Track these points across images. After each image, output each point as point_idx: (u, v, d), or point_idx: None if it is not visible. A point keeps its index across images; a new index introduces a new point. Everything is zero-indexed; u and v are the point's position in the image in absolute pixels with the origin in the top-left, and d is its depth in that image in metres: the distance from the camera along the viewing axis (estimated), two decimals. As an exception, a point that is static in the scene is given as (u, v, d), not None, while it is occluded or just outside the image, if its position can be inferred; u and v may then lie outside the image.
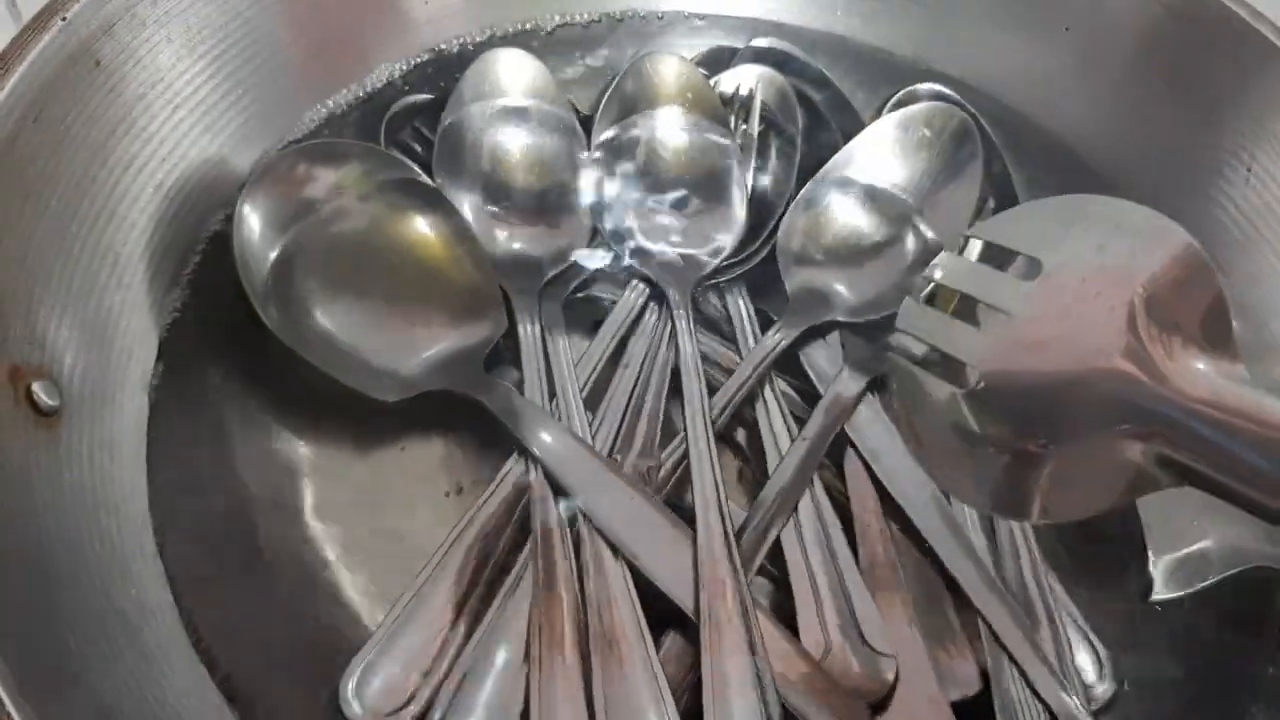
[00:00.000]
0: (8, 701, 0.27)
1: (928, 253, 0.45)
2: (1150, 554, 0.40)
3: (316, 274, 0.41)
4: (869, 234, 0.46)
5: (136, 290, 0.40)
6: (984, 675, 0.36)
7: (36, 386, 0.35)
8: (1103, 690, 0.37)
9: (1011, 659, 0.36)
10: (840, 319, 0.44)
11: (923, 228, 0.46)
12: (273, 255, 0.40)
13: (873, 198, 0.46)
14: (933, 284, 0.40)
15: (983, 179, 0.46)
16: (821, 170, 0.47)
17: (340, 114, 0.48)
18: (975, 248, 0.42)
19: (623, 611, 0.35)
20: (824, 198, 0.47)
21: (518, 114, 0.47)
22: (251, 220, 0.40)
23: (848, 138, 0.48)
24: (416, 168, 0.43)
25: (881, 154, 0.47)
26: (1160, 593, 0.39)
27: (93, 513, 0.36)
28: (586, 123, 0.48)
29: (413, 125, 0.47)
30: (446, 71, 0.49)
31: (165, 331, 0.41)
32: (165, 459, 0.38)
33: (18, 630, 0.30)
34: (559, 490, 0.38)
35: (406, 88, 0.49)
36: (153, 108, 0.41)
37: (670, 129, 0.48)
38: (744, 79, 0.50)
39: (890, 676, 0.35)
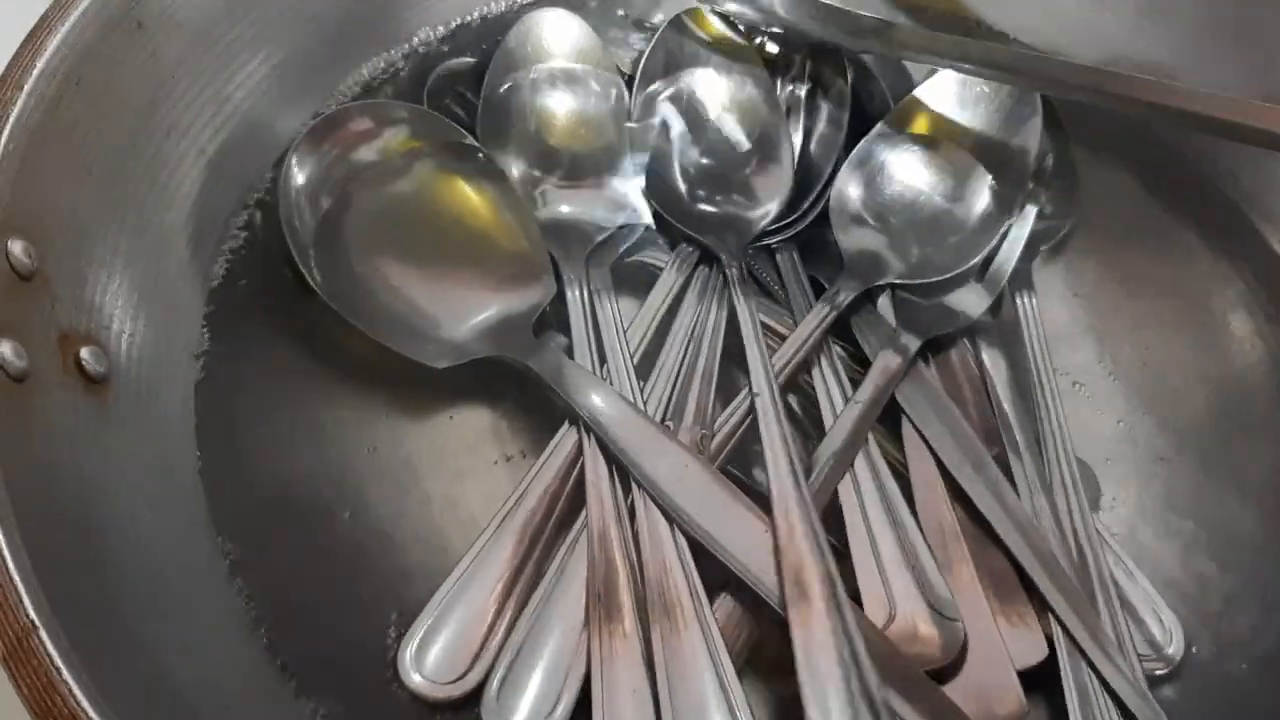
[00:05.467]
0: (58, 659, 0.27)
1: (987, 211, 0.44)
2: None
3: (364, 236, 0.40)
4: (926, 192, 0.45)
5: (181, 257, 0.40)
6: (1050, 642, 0.35)
7: (85, 353, 0.35)
8: (1168, 654, 0.36)
9: (1066, 631, 0.35)
10: (897, 281, 0.43)
11: (982, 185, 0.45)
12: (320, 216, 0.40)
13: (929, 155, 0.45)
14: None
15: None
16: (876, 127, 0.46)
17: (383, 78, 0.47)
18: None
19: (679, 578, 0.35)
20: (879, 156, 0.46)
21: (562, 77, 0.46)
22: (299, 180, 0.40)
23: (897, 96, 0.47)
24: (465, 131, 0.43)
25: (938, 110, 0.46)
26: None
27: (142, 479, 0.35)
28: (630, 83, 0.47)
29: (455, 89, 0.46)
30: (489, 34, 0.48)
31: (211, 298, 0.40)
32: (214, 425, 0.38)
33: (68, 592, 0.29)
34: (611, 457, 0.37)
35: (448, 50, 0.48)
36: (194, 72, 0.41)
37: (713, 88, 0.47)
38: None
39: (959, 644, 0.34)
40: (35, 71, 0.35)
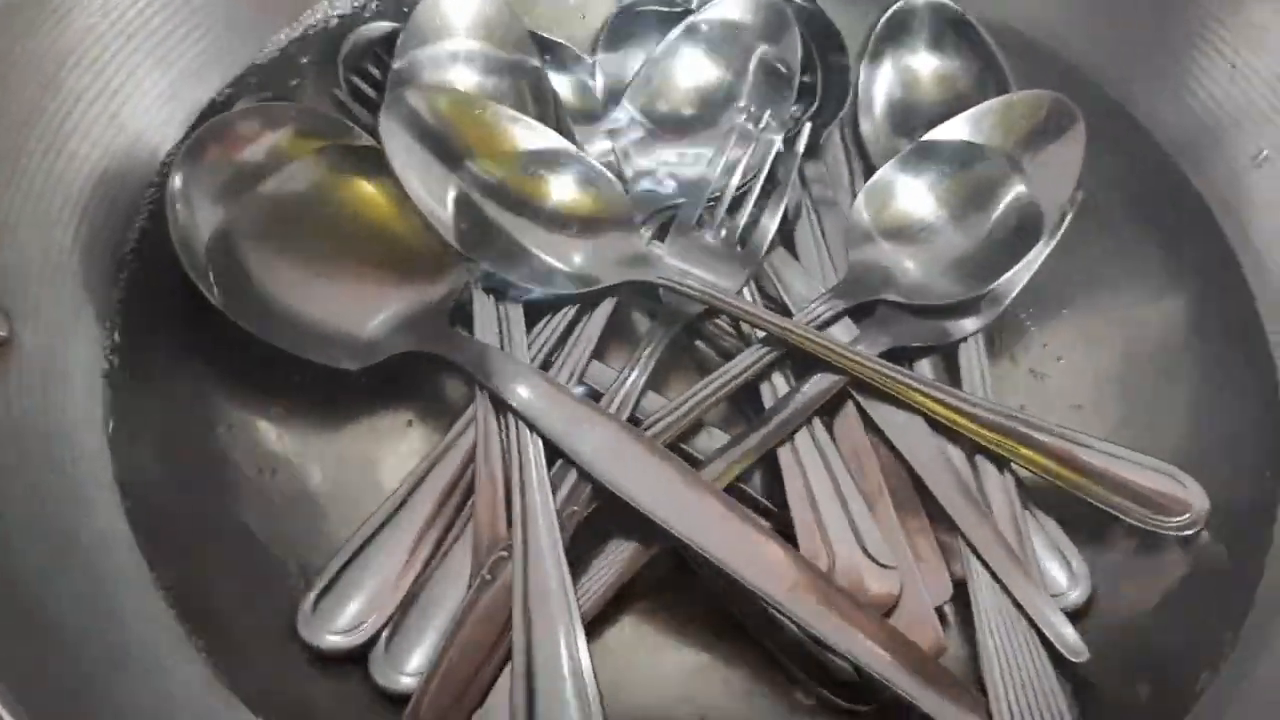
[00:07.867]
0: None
1: (1014, 239, 0.42)
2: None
3: (261, 248, 0.39)
4: (949, 214, 0.43)
5: (90, 223, 0.39)
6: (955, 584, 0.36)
7: (-15, 316, 0.35)
8: (1075, 596, 0.36)
9: (987, 567, 0.35)
10: (895, 299, 0.42)
11: (1013, 210, 0.43)
12: (211, 234, 0.39)
13: (961, 176, 0.43)
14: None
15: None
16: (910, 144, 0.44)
17: (300, 41, 0.46)
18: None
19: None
20: (909, 173, 0.44)
21: (467, 55, 0.45)
22: (185, 196, 0.39)
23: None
24: (359, 128, 0.42)
25: (971, 127, 0.43)
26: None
27: (45, 443, 0.36)
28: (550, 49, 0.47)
29: (374, 52, 0.46)
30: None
31: (120, 264, 0.40)
32: (121, 389, 0.38)
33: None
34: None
35: (368, 15, 0.47)
36: (104, 38, 0.40)
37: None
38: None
39: (897, 588, 0.35)
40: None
